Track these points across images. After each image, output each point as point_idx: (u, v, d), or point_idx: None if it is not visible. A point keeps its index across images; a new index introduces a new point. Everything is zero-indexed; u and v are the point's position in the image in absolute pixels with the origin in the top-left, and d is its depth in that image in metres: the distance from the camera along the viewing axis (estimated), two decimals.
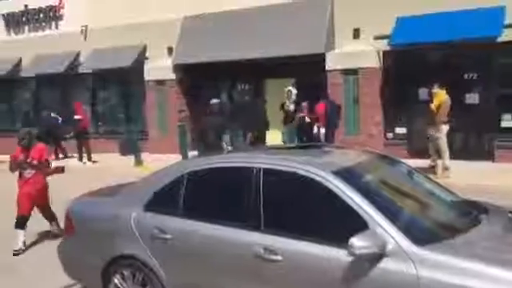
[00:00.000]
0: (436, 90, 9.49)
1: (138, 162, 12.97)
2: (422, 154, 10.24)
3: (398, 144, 11.43)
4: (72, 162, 13.97)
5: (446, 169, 9.37)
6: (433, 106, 9.41)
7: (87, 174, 12.14)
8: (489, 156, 10.66)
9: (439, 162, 9.52)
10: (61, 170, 7.01)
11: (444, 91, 9.48)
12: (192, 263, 3.74)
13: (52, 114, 15.28)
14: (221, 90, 14.70)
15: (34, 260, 5.98)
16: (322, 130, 10.70)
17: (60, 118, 15.16)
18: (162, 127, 14.66)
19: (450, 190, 3.99)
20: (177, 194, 3.90)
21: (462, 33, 10.10)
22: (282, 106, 11.51)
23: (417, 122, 11.52)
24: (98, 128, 16.18)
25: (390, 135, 11.94)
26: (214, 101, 11.24)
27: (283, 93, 11.59)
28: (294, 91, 11.49)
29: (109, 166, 13.12)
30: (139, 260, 3.94)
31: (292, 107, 11.39)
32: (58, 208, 7.50)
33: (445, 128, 9.42)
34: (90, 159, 13.98)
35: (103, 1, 15.29)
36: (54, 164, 7.03)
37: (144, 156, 13.27)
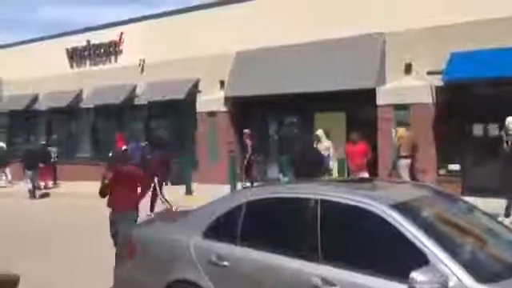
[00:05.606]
0: (397, 128, 11.10)
1: (189, 191, 13.25)
2: (476, 191, 9.92)
3: (452, 181, 11.13)
4: None
5: None
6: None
7: None
8: None
9: None
10: None
11: (404, 129, 10.97)
12: None
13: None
14: (270, 122, 14.93)
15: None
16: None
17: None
18: (212, 158, 14.96)
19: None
20: (236, 223, 4.01)
21: None
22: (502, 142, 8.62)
23: (471, 158, 11.22)
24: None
25: (442, 171, 11.67)
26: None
27: (331, 126, 11.41)
28: None
29: None
30: (196, 285, 4.04)
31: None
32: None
33: (402, 161, 10.68)
34: None
35: (159, 36, 16.03)
36: None
37: (194, 186, 13.55)
